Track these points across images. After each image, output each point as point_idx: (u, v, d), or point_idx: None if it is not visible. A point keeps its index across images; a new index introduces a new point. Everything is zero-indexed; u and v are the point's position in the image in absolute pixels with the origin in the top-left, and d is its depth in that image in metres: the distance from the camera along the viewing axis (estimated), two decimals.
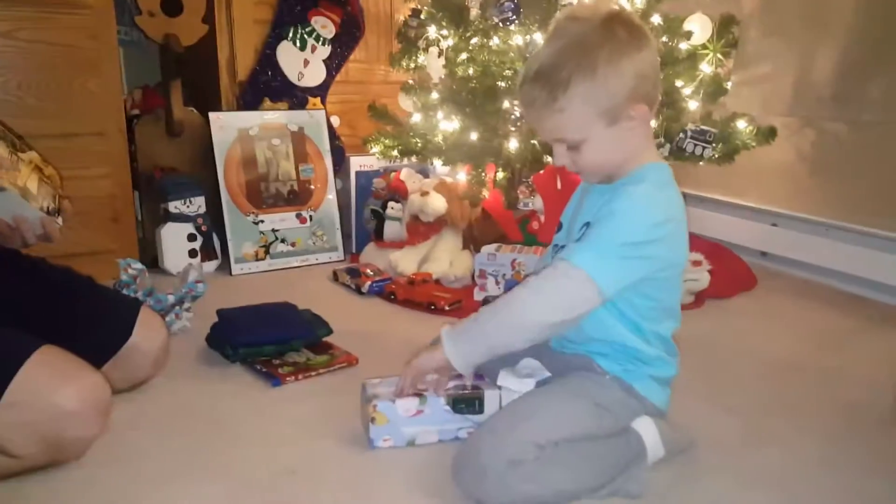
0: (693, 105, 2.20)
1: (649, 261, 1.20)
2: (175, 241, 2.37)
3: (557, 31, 1.20)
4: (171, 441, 1.38)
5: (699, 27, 2.17)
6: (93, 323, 1.45)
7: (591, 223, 1.23)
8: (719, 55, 2.19)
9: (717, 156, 2.17)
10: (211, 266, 2.43)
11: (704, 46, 2.19)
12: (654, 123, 2.14)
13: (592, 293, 1.17)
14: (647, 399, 1.30)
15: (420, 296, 2.11)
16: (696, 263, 2.16)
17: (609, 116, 1.18)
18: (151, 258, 2.38)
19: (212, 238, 2.44)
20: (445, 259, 2.32)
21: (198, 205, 2.41)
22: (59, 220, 1.37)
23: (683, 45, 2.18)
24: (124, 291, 1.86)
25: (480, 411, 1.34)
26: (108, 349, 1.46)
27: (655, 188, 1.22)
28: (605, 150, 1.22)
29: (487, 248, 2.12)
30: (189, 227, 2.39)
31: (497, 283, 2.10)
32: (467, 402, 1.34)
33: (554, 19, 1.23)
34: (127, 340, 1.47)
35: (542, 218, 2.18)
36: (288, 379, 1.61)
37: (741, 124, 2.20)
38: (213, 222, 2.45)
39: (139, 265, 1.93)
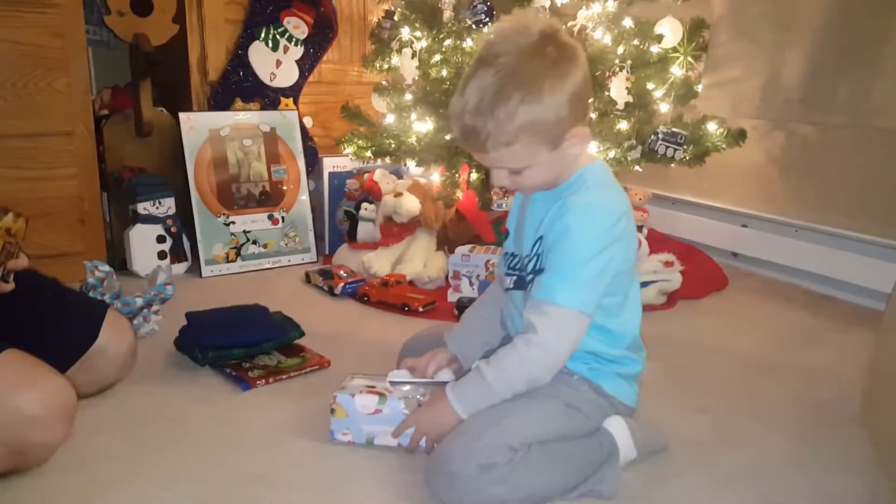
0: (664, 108, 2.21)
1: (614, 261, 1.21)
2: (144, 243, 2.35)
3: (491, 58, 1.15)
4: (137, 446, 1.35)
5: (670, 31, 2.18)
6: (58, 326, 1.43)
7: (545, 238, 1.23)
8: (690, 58, 2.20)
9: (687, 157, 2.18)
10: (181, 268, 2.41)
11: (675, 50, 2.20)
12: (625, 125, 2.16)
13: (585, 322, 1.21)
14: (615, 398, 1.30)
15: (393, 297, 2.10)
16: (669, 264, 2.17)
17: (552, 143, 1.17)
18: (120, 260, 2.36)
19: (181, 240, 2.41)
20: (419, 260, 2.31)
21: (167, 206, 2.38)
22: (10, 281, 1.34)
23: (654, 49, 2.19)
24: (91, 294, 1.83)
25: None
26: (74, 352, 1.44)
27: (600, 190, 1.23)
28: (547, 172, 1.22)
29: (461, 249, 2.12)
30: (158, 229, 2.36)
31: (471, 284, 2.10)
32: None
33: (484, 43, 1.19)
34: (93, 343, 1.45)
35: None
36: (258, 382, 1.59)
37: (712, 127, 2.22)
38: (183, 224, 2.42)
39: (106, 267, 1.91)
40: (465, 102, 1.15)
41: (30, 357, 1.22)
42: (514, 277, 1.32)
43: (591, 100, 1.22)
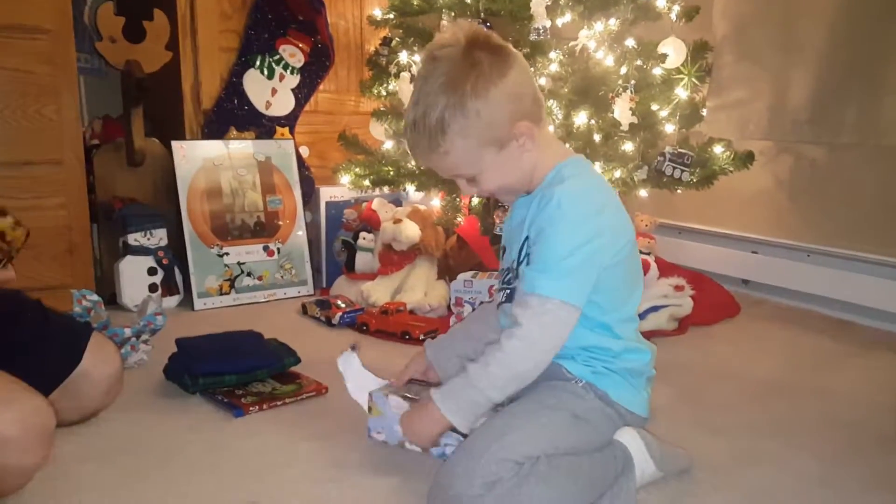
0: (669, 128, 2.16)
1: (601, 253, 1.17)
2: (134, 275, 2.26)
3: (425, 70, 1.18)
4: (120, 475, 1.26)
5: (673, 51, 2.13)
6: (40, 347, 1.35)
7: (531, 236, 1.20)
8: (694, 80, 2.15)
9: (695, 180, 2.12)
10: (172, 301, 2.32)
11: (679, 71, 2.15)
12: (630, 146, 2.09)
13: (572, 315, 1.15)
14: (620, 405, 1.23)
15: (394, 326, 2.01)
16: (679, 288, 2.10)
17: (495, 144, 1.17)
18: (109, 294, 2.27)
19: (173, 272, 2.33)
20: (420, 289, 2.23)
21: (159, 237, 2.31)
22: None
23: (658, 70, 2.14)
24: None
25: None
26: (56, 376, 1.35)
27: (579, 181, 1.20)
28: (503, 174, 1.21)
29: (464, 275, 2.04)
30: (149, 261, 2.28)
31: (474, 311, 2.02)
32: None
33: (423, 56, 1.22)
34: (76, 366, 1.37)
35: None
36: (251, 409, 1.50)
37: (718, 149, 2.16)
38: (175, 255, 2.34)
39: (95, 297, 1.83)
40: (407, 116, 1.19)
41: (7, 376, 1.15)
42: (507, 291, 1.27)
43: (536, 95, 1.21)
